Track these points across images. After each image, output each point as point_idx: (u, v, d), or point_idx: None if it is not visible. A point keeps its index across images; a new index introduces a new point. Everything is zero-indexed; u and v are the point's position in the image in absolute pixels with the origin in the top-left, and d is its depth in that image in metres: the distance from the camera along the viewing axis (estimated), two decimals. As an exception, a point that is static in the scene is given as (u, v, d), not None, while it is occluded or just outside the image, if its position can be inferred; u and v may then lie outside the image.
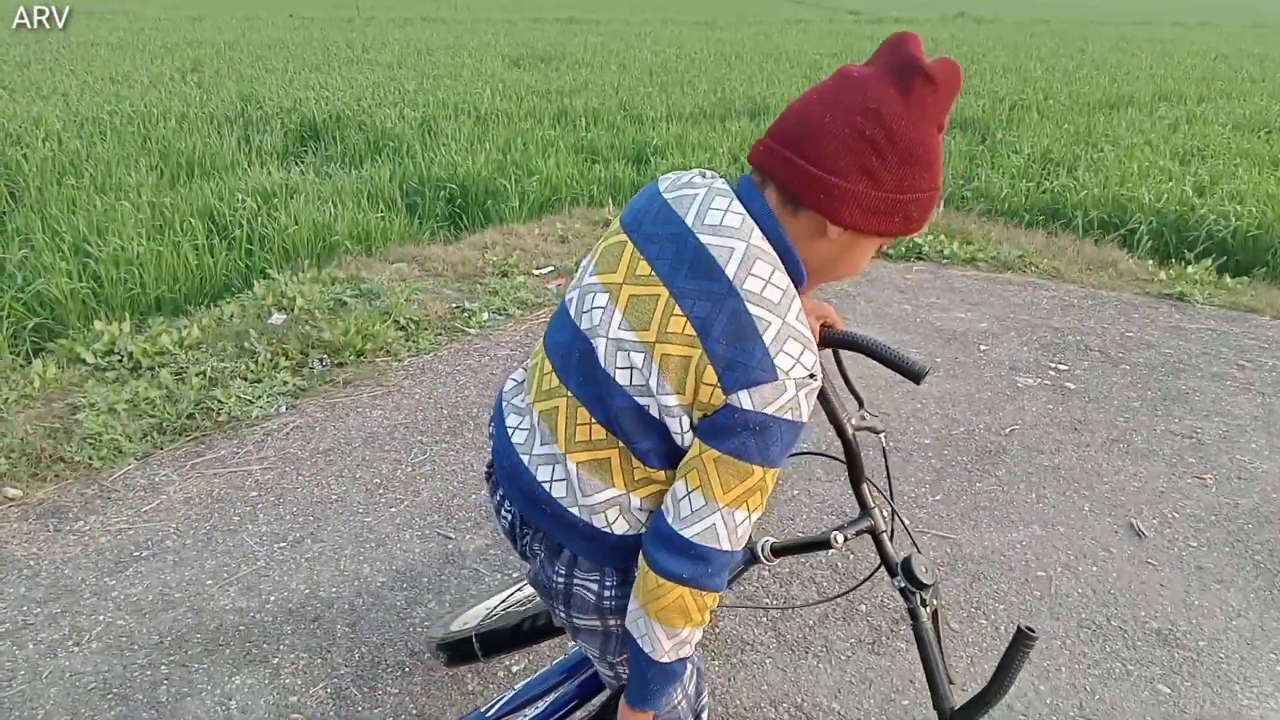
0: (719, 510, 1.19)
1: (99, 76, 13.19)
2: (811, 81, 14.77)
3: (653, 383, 1.20)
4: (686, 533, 1.21)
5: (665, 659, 1.28)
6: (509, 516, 1.50)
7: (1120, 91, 14.54)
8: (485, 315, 4.92)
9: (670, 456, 1.27)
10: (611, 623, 1.44)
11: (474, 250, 5.93)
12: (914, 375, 1.69)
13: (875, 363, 1.70)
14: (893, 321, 5.05)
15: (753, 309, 1.16)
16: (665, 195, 1.28)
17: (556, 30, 25.76)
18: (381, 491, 3.29)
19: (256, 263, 6.00)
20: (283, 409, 3.86)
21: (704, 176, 1.30)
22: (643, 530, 1.33)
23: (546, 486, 1.36)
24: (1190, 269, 6.11)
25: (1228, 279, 5.97)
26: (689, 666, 1.47)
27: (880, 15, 39.24)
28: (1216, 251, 6.63)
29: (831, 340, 1.76)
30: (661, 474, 1.30)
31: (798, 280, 1.23)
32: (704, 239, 1.20)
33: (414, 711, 2.31)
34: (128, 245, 5.67)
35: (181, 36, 20.12)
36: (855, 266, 1.28)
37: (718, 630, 2.64)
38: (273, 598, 2.72)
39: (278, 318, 4.59)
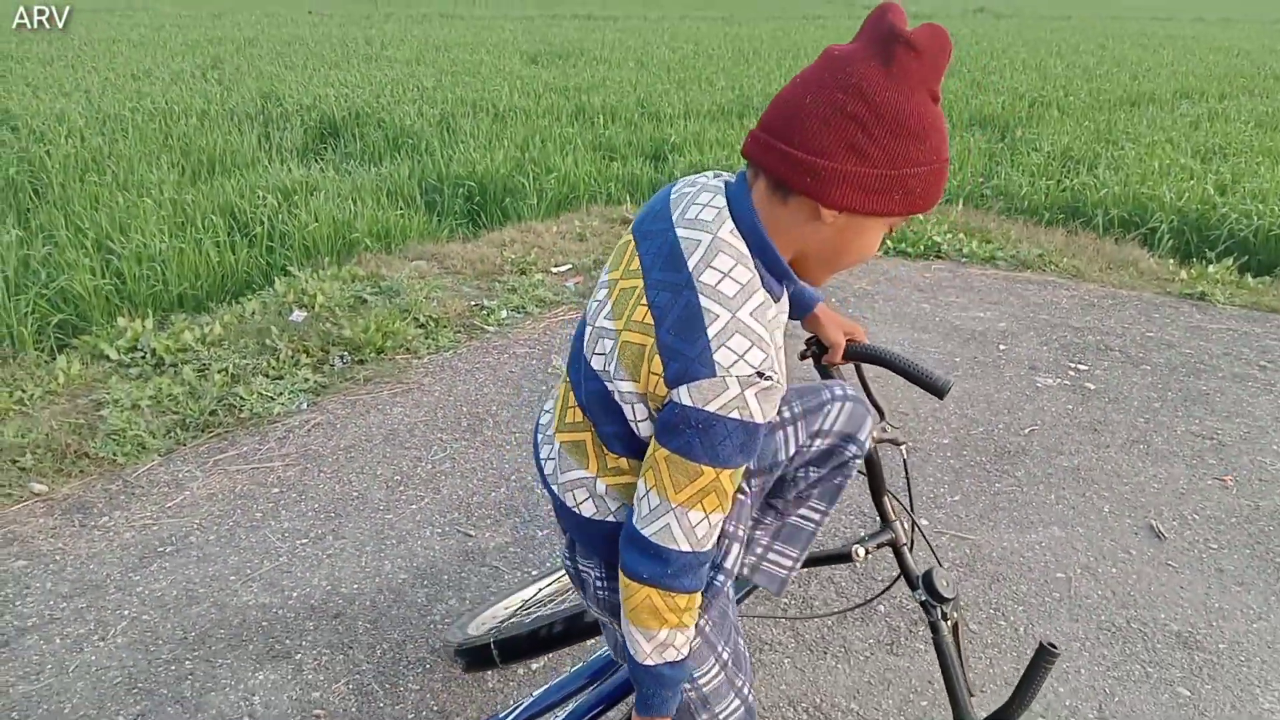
0: (673, 510, 1.18)
1: (120, 73, 13.30)
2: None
3: (611, 368, 1.24)
4: (646, 531, 1.21)
5: (648, 661, 1.27)
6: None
7: (1141, 88, 14.43)
8: (504, 313, 4.94)
9: (630, 443, 1.29)
10: (607, 618, 1.46)
11: (492, 248, 5.95)
12: (937, 390, 1.70)
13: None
14: (911, 321, 5.04)
15: (704, 301, 1.14)
16: (671, 194, 1.31)
17: (574, 27, 25.78)
18: (402, 489, 3.31)
19: (277, 260, 6.05)
20: (304, 406, 3.89)
21: (715, 176, 1.31)
22: (610, 517, 1.36)
23: (545, 463, 1.45)
24: (1211, 268, 6.07)
25: (1249, 279, 5.92)
26: (690, 671, 1.44)
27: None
28: (1238, 251, 6.58)
29: (855, 354, 1.78)
30: (624, 461, 1.32)
31: (778, 274, 1.22)
32: (680, 233, 1.22)
33: (435, 708, 2.33)
34: (150, 242, 5.73)
35: (202, 33, 20.25)
36: (864, 251, 1.24)
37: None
38: (295, 594, 2.74)
39: (298, 315, 4.62)
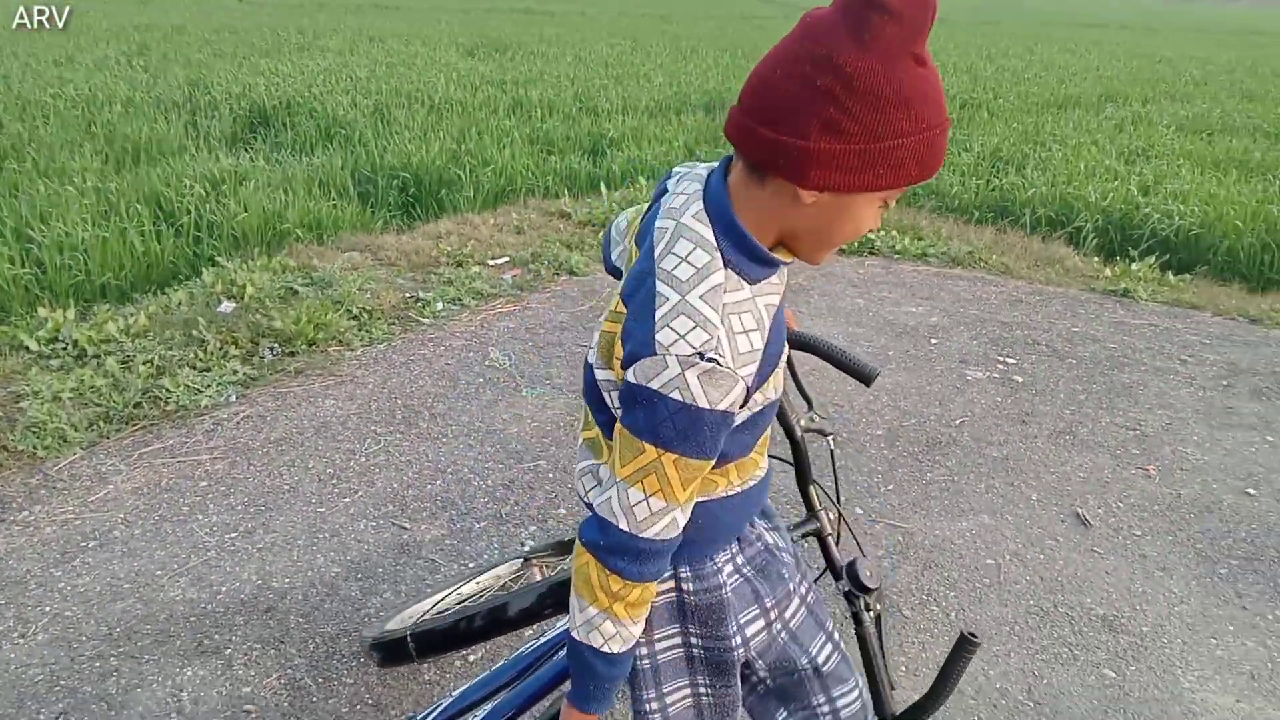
0: (616, 483, 1.17)
1: (42, 60, 12.87)
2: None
3: (594, 358, 1.27)
4: (594, 500, 1.22)
5: (575, 635, 1.25)
6: None
7: (1068, 92, 14.81)
8: (440, 305, 4.88)
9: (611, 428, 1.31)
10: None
11: (428, 240, 5.88)
12: (864, 377, 1.71)
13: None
14: (846, 315, 5.10)
15: (659, 285, 1.13)
16: (667, 184, 1.30)
17: (512, 21, 25.60)
18: (335, 481, 3.26)
19: (205, 250, 5.91)
20: (233, 398, 3.80)
21: (716, 163, 1.28)
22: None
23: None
24: (1134, 266, 6.25)
25: (1171, 276, 6.12)
26: (628, 686, 1.42)
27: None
28: (1160, 249, 6.79)
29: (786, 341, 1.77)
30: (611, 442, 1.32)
31: (756, 257, 1.16)
32: (657, 223, 1.21)
33: (370, 702, 2.30)
34: (72, 231, 5.55)
35: (128, 20, 19.68)
36: (858, 228, 1.16)
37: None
38: (224, 589, 2.68)
39: (227, 306, 4.51)
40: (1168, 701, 2.45)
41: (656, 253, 1.17)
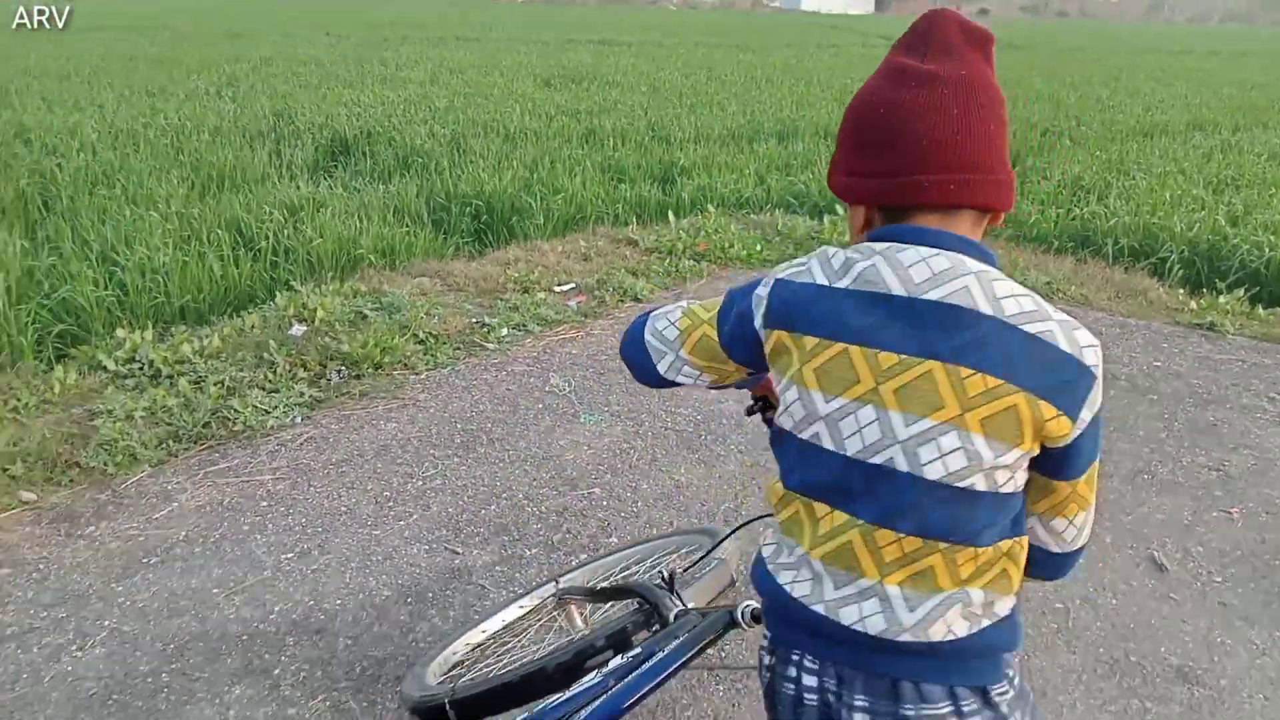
0: (1091, 510, 1.27)
1: (136, 90, 13.43)
2: (842, 105, 14.76)
3: (984, 452, 1.13)
4: (1077, 545, 1.30)
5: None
6: (815, 686, 1.28)
7: (1155, 120, 14.42)
8: (505, 330, 4.91)
9: (1002, 525, 1.20)
10: None
11: (497, 266, 5.94)
12: None
13: None
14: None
15: (1029, 328, 1.13)
16: (834, 285, 1.20)
17: (589, 52, 25.94)
18: (391, 504, 3.28)
19: (281, 275, 6.05)
20: (298, 420, 3.86)
21: (845, 250, 1.23)
22: (985, 621, 1.22)
23: (859, 626, 1.21)
24: (1222, 299, 6.00)
25: (1260, 310, 5.86)
26: None
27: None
28: (1249, 282, 6.50)
29: None
30: (989, 550, 1.19)
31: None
32: (933, 296, 1.14)
33: (412, 728, 2.28)
34: (154, 254, 5.73)
35: (219, 52, 20.44)
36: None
37: (724, 654, 2.59)
38: (277, 608, 2.70)
39: (298, 329, 4.60)
40: (1248, 760, 2.31)
41: (986, 309, 1.13)
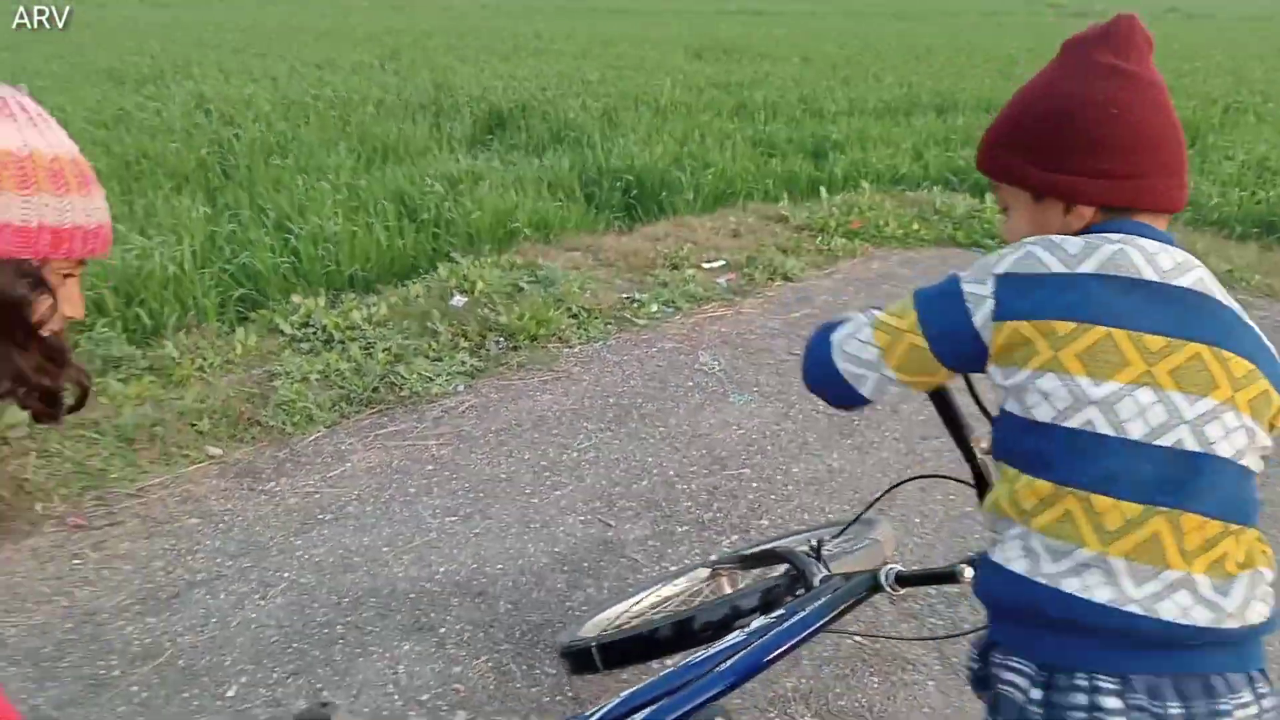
0: None
1: (305, 62, 14.07)
2: (1005, 78, 14.20)
3: (1256, 430, 1.17)
4: None
5: None
6: (1119, 708, 1.13)
7: (1354, 93, 13.29)
8: (654, 306, 4.96)
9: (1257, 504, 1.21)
10: None
11: (646, 241, 5.99)
12: None
13: None
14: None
15: (1253, 324, 1.20)
16: (1075, 271, 1.18)
17: (740, 23, 25.69)
18: (548, 474, 3.38)
19: (442, 246, 6.26)
20: (460, 388, 4.02)
21: (1080, 240, 1.21)
22: (1275, 606, 1.19)
23: (1184, 620, 1.13)
24: None
25: None
26: None
27: (1084, 9, 37.17)
28: None
29: None
30: (1255, 530, 1.18)
31: None
32: (1179, 283, 1.18)
33: (570, 694, 2.37)
34: (325, 224, 6.02)
35: (382, 25, 21.18)
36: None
37: (878, 647, 2.59)
38: (442, 569, 2.84)
39: (459, 300, 4.77)
40: None
41: (1220, 298, 1.20)
